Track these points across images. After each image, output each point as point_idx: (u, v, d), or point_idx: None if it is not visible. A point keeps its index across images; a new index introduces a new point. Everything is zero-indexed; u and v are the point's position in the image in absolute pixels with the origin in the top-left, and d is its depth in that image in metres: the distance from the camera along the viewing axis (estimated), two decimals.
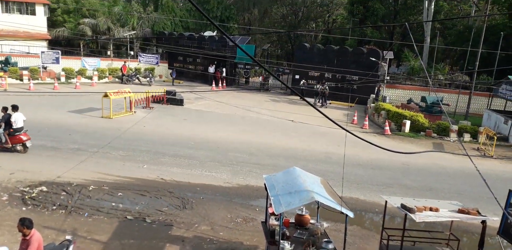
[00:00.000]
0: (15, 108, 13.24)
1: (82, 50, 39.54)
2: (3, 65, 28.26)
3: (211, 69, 32.71)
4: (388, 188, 12.31)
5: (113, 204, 9.95)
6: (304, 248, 6.94)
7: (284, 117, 21.74)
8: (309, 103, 6.33)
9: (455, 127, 19.04)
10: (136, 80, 31.00)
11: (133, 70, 32.58)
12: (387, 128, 19.74)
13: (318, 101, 26.36)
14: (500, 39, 24.64)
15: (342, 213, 6.62)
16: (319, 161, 14.46)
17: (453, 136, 18.89)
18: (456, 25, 38.03)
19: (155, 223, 9.17)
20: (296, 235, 7.53)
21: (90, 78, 30.28)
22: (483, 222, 7.18)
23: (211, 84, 31.24)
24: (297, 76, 30.36)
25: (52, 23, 39.83)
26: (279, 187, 7.40)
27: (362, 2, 38.50)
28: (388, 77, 28.53)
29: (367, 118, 21.44)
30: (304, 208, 7.93)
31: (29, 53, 32.33)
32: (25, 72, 28.28)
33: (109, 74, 31.88)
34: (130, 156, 13.55)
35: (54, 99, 22.54)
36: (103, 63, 32.84)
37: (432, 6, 33.25)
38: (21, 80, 27.85)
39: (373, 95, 26.31)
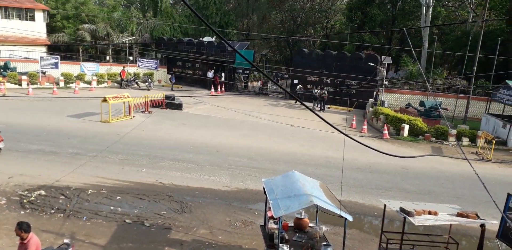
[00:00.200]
0: None
1: (81, 55, 39.60)
2: (2, 70, 28.29)
3: (210, 74, 32.81)
4: (387, 191, 12.30)
5: (112, 207, 9.93)
6: None
7: (283, 122, 21.77)
8: (308, 107, 6.36)
9: (453, 131, 19.08)
10: (135, 85, 31.06)
11: (132, 75, 32.64)
12: (386, 132, 19.77)
13: (317, 106, 26.43)
14: (498, 45, 24.77)
15: (341, 216, 6.63)
16: (318, 165, 14.46)
17: (452, 140, 18.92)
18: (454, 30, 38.25)
19: (154, 226, 9.14)
20: (295, 239, 7.52)
21: (89, 83, 30.32)
22: (482, 225, 7.19)
23: (210, 89, 31.32)
24: (295, 81, 30.45)
25: (51, 29, 39.92)
26: (278, 190, 7.40)
27: (360, 8, 38.72)
28: (386, 82, 28.61)
29: (365, 123, 21.47)
30: (303, 212, 7.93)
31: (28, 58, 32.38)
32: (24, 77, 28.32)
33: (108, 79, 31.94)
34: (129, 160, 13.53)
35: (53, 104, 22.55)
36: (102, 68, 32.90)
37: (430, 12, 33.46)
38: (20, 85, 27.88)
39: (371, 100, 26.38)
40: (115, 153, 14.16)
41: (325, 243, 7.18)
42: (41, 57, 29.65)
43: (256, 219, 9.94)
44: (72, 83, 29.62)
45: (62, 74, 29.91)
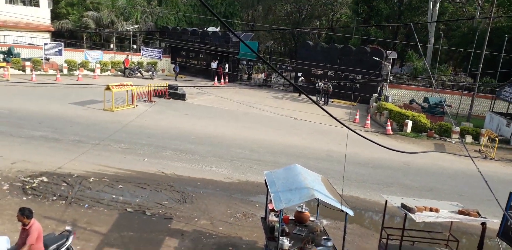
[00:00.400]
0: None
1: (85, 42, 39.41)
2: (6, 55, 28.21)
3: (214, 64, 32.67)
4: (388, 187, 12.31)
5: (113, 196, 9.96)
6: (303, 245, 6.94)
7: (286, 115, 21.72)
8: (313, 101, 6.32)
9: (457, 128, 19.01)
10: (139, 74, 30.97)
11: (136, 64, 32.53)
12: (389, 127, 19.72)
13: (321, 99, 26.35)
14: (505, 42, 24.56)
15: (342, 211, 6.62)
16: (320, 158, 14.46)
17: (455, 137, 18.87)
18: (461, 26, 37.91)
19: (155, 216, 9.18)
20: (296, 232, 7.53)
21: (93, 71, 30.24)
22: (483, 223, 7.18)
23: (213, 80, 31.22)
24: (299, 74, 30.32)
25: (55, 15, 39.68)
26: (279, 183, 7.40)
27: (366, 2, 38.35)
28: (391, 77, 28.46)
29: (369, 118, 21.40)
30: (304, 205, 7.93)
31: (32, 44, 32.24)
32: (27, 63, 28.23)
33: (112, 67, 31.84)
34: (131, 149, 13.54)
35: (56, 91, 22.52)
36: (105, 56, 32.80)
37: (437, 7, 33.14)
38: (24, 71, 27.82)
39: (375, 95, 26.27)
40: (118, 141, 14.17)
41: (325, 237, 7.20)
42: (45, 44, 29.53)
43: (257, 211, 9.97)
44: (75, 70, 29.55)
45: (65, 61, 29.82)
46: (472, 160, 8.40)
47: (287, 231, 7.38)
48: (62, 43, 30.30)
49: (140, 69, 31.30)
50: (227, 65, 32.64)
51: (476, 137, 19.01)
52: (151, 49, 34.78)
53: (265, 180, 7.89)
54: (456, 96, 26.23)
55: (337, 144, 16.38)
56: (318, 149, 15.71)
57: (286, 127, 19.18)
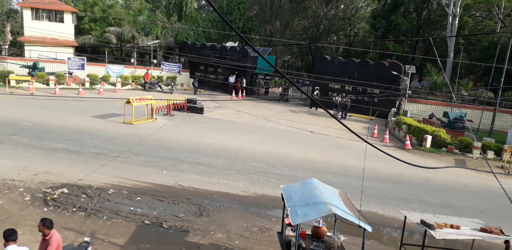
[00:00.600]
0: None
1: (106, 57, 40.49)
2: (31, 70, 29.17)
3: (232, 79, 33.04)
4: (407, 203, 12.09)
5: (132, 208, 10.07)
6: None
7: (303, 128, 21.69)
8: (331, 114, 6.36)
9: (478, 144, 18.62)
10: (158, 88, 31.51)
11: (156, 78, 33.15)
12: (408, 142, 19.46)
13: (338, 113, 26.27)
14: None
15: (360, 227, 6.55)
16: (338, 173, 14.34)
17: (476, 153, 18.49)
18: (481, 41, 37.54)
19: (172, 228, 9.22)
20: (312, 247, 7.45)
21: (114, 84, 30.93)
22: (507, 242, 6.99)
23: (231, 94, 31.52)
24: (316, 88, 30.37)
25: (79, 31, 41.03)
26: (296, 197, 7.37)
27: (384, 16, 38.46)
28: (409, 92, 28.23)
29: (387, 132, 21.19)
30: (321, 220, 7.86)
31: (56, 59, 33.29)
32: (51, 77, 29.12)
33: (132, 81, 32.51)
34: (150, 162, 13.71)
35: (78, 104, 23.09)
36: (126, 71, 33.56)
37: (456, 22, 32.95)
38: (48, 85, 28.68)
39: (394, 109, 26.05)
40: (137, 154, 14.38)
41: None
42: (69, 58, 30.45)
43: (273, 225, 9.91)
44: (97, 84, 30.29)
45: (88, 76, 30.63)
46: (495, 176, 8.23)
47: (303, 246, 7.31)
48: (85, 58, 31.19)
49: (159, 83, 31.88)
50: (244, 80, 32.96)
51: (499, 153, 18.57)
52: (170, 63, 35.46)
53: (281, 194, 7.87)
54: (477, 111, 25.78)
55: (355, 158, 16.24)
56: (335, 163, 15.59)
57: (303, 140, 19.14)
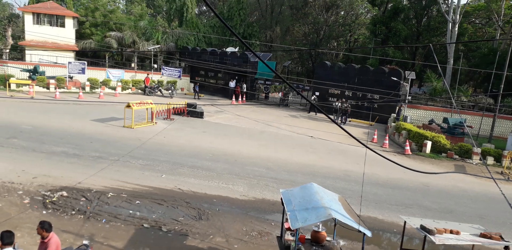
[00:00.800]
0: None
1: (107, 61, 40.62)
2: (31, 74, 29.23)
3: (232, 84, 33.14)
4: (407, 208, 12.07)
5: (131, 211, 10.04)
6: None
7: (303, 133, 21.71)
8: (332, 120, 6.37)
9: (478, 150, 18.64)
10: (158, 92, 31.58)
11: (156, 82, 33.23)
12: (408, 147, 19.47)
13: (338, 119, 26.31)
14: None
15: (360, 231, 6.53)
16: (337, 178, 14.32)
17: (476, 159, 18.49)
18: (481, 47, 37.71)
19: (171, 232, 9.19)
20: None
21: (114, 89, 31.01)
22: (506, 247, 6.97)
23: (231, 99, 31.58)
24: (317, 93, 30.46)
25: (80, 35, 41.19)
26: (296, 202, 7.36)
27: (384, 23, 38.67)
28: (409, 97, 28.30)
29: (387, 138, 21.20)
30: (320, 225, 7.83)
31: (56, 63, 33.39)
32: (52, 81, 29.18)
33: (133, 85, 32.59)
34: (149, 166, 13.69)
35: (78, 108, 23.12)
36: (127, 75, 33.65)
37: (456, 28, 33.12)
38: (48, 88, 28.74)
39: (394, 115, 26.10)
40: (136, 158, 14.37)
41: None
42: (69, 63, 30.55)
43: (273, 229, 9.89)
44: (97, 88, 30.36)
45: (88, 80, 30.71)
46: (495, 182, 8.23)
47: None
48: (85, 62, 31.29)
49: (160, 87, 31.95)
50: (244, 85, 33.04)
51: (498, 159, 18.58)
52: (171, 68, 35.56)
53: (281, 198, 7.86)
54: (476, 117, 25.83)
55: (355, 163, 16.23)
56: (335, 168, 15.58)
57: (302, 145, 19.14)
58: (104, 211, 9.94)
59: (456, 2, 32.93)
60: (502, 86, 22.59)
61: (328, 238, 7.94)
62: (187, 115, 23.67)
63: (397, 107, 26.49)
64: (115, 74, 32.32)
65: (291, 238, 7.73)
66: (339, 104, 26.45)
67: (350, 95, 28.79)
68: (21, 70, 29.75)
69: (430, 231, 7.03)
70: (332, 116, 25.94)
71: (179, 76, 34.74)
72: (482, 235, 7.19)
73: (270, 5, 46.58)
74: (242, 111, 27.22)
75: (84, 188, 11.23)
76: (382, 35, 38.77)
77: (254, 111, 27.81)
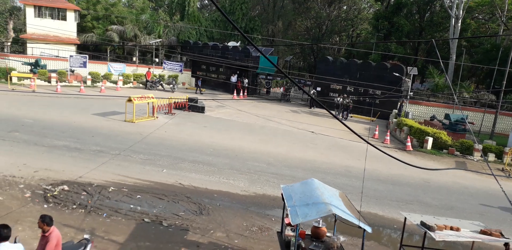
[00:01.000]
0: None
1: (108, 55, 40.53)
2: (33, 67, 29.19)
3: (233, 78, 33.05)
4: (407, 204, 12.08)
5: (132, 206, 10.07)
6: None
7: (304, 129, 21.69)
8: (333, 115, 6.35)
9: (479, 146, 18.61)
10: (160, 87, 31.53)
11: (157, 76, 33.17)
12: (409, 143, 19.45)
13: (339, 114, 26.26)
14: None
15: (360, 227, 6.54)
16: (338, 174, 14.33)
17: (477, 155, 18.47)
18: (483, 43, 37.50)
19: (172, 227, 9.22)
20: (312, 247, 7.44)
21: (115, 83, 30.97)
22: (506, 244, 6.99)
23: (232, 93, 31.53)
24: (318, 89, 30.38)
25: (81, 29, 41.06)
26: (296, 197, 7.36)
27: (387, 18, 38.43)
28: (411, 93, 28.22)
29: (388, 134, 21.17)
30: (321, 220, 7.85)
31: (58, 56, 33.32)
32: (53, 74, 29.13)
33: (134, 79, 32.54)
34: (150, 160, 13.71)
35: (80, 102, 23.11)
36: (128, 69, 33.58)
37: (459, 24, 32.91)
38: (49, 82, 28.71)
39: (395, 111, 26.05)
40: (137, 152, 14.38)
41: None
42: (71, 56, 30.49)
43: (273, 225, 9.91)
44: (98, 82, 30.32)
45: (89, 73, 30.67)
46: (496, 179, 8.24)
47: (303, 246, 7.31)
48: (87, 56, 31.22)
49: (161, 82, 31.89)
50: (246, 80, 32.95)
51: (499, 155, 18.56)
52: (172, 62, 35.48)
53: (281, 194, 7.87)
54: (478, 113, 25.77)
55: (356, 159, 16.23)
56: (336, 164, 15.58)
57: (303, 141, 19.13)
58: (105, 205, 9.97)
59: None
60: (505, 82, 22.50)
61: (328, 234, 7.97)
62: (188, 110, 23.65)
63: (399, 103, 26.43)
64: (117, 68, 32.26)
65: (292, 233, 7.75)
66: (341, 99, 26.39)
67: (352, 90, 28.72)
68: (22, 64, 29.71)
69: (430, 228, 7.05)
70: (333, 112, 25.88)
71: (181, 71, 34.67)
72: (482, 232, 7.20)
73: None
74: (243, 106, 27.19)
75: (85, 182, 11.25)
76: (384, 30, 38.55)
77: (255, 106, 27.78)
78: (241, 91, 32.07)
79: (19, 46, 40.42)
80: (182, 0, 41.63)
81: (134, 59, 40.33)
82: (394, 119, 24.05)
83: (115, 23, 41.26)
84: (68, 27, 36.88)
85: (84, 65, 30.37)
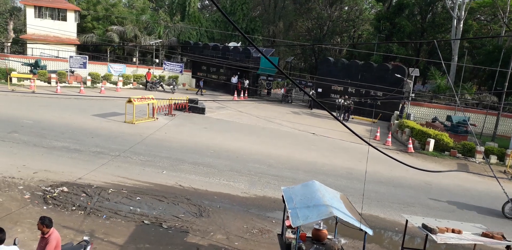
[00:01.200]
0: None
1: (108, 56, 40.49)
2: (33, 68, 29.14)
3: (234, 79, 32.99)
4: (409, 207, 12.00)
5: (131, 207, 10.00)
6: None
7: (305, 130, 21.62)
8: (335, 117, 6.30)
9: (481, 148, 18.52)
10: (160, 88, 31.47)
11: (157, 77, 33.12)
12: (411, 145, 19.37)
13: (340, 116, 26.19)
14: None
15: (361, 230, 6.48)
16: (339, 176, 14.25)
17: (479, 157, 18.39)
18: (485, 44, 37.42)
19: (171, 229, 9.15)
20: None
21: (115, 83, 30.91)
22: (508, 247, 6.93)
23: (233, 94, 31.47)
24: (319, 90, 30.31)
25: (81, 29, 41.02)
26: (297, 199, 7.30)
27: (388, 19, 38.36)
28: (413, 95, 28.14)
29: (390, 135, 21.09)
30: (321, 223, 7.79)
31: (58, 57, 33.28)
32: (53, 75, 29.09)
33: (134, 80, 32.48)
34: (150, 162, 13.65)
35: (79, 103, 23.06)
36: (128, 70, 33.53)
37: (461, 25, 32.84)
38: (49, 83, 28.66)
39: (397, 112, 25.97)
40: (137, 153, 14.32)
41: None
42: (71, 57, 30.45)
43: (274, 227, 9.84)
44: (98, 83, 30.27)
45: (89, 74, 30.62)
46: (498, 181, 8.17)
47: (304, 248, 7.24)
48: (87, 56, 31.17)
49: (161, 83, 31.84)
50: (247, 81, 32.90)
51: (501, 157, 18.46)
52: (172, 63, 35.42)
53: (282, 196, 7.81)
54: (480, 115, 25.68)
55: (357, 161, 16.16)
56: (337, 166, 15.51)
57: (304, 142, 19.06)
58: (104, 207, 9.91)
59: None
60: (507, 84, 22.37)
61: (329, 236, 7.90)
62: (188, 111, 23.59)
63: (400, 105, 26.35)
64: (117, 69, 32.22)
65: (292, 236, 7.68)
66: (342, 101, 26.32)
67: (353, 92, 28.65)
68: (22, 64, 29.68)
69: (431, 230, 6.99)
70: (334, 113, 25.81)
71: (181, 72, 34.59)
72: (484, 235, 7.14)
73: (273, 0, 46.28)
74: (244, 107, 27.13)
75: (84, 183, 11.19)
76: (386, 31, 38.49)
77: (256, 108, 27.72)
78: (242, 92, 32.01)
79: (19, 46, 40.39)
80: (182, 1, 41.60)
81: (134, 60, 40.29)
82: (396, 121, 23.98)
83: (115, 23, 41.21)
84: (68, 27, 36.85)
85: (84, 66, 30.33)
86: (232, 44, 36.86)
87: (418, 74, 32.39)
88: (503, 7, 35.83)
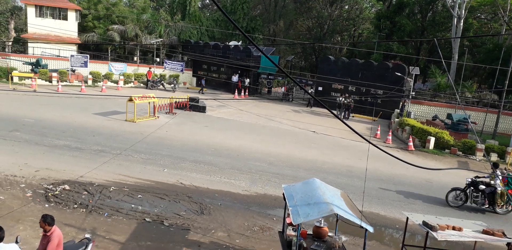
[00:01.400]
0: None
1: (109, 55, 40.51)
2: (34, 67, 29.19)
3: (235, 78, 33.02)
4: (409, 204, 12.03)
5: (133, 205, 10.04)
6: None
7: (306, 128, 21.64)
8: (335, 115, 6.32)
9: (481, 146, 18.53)
10: (161, 86, 31.52)
11: (158, 76, 33.15)
12: (411, 143, 19.39)
13: (341, 114, 26.21)
14: None
15: (362, 227, 6.50)
16: (340, 173, 14.29)
17: (479, 155, 18.40)
18: (486, 43, 37.37)
19: (173, 226, 9.19)
20: (313, 247, 7.40)
21: (116, 82, 30.96)
22: (509, 244, 6.96)
23: (233, 93, 31.50)
24: (320, 88, 30.32)
25: (82, 28, 41.01)
26: (298, 197, 7.33)
27: (389, 17, 38.32)
28: (413, 93, 28.14)
29: (390, 133, 21.11)
30: (322, 220, 7.81)
31: (59, 56, 33.32)
32: (54, 74, 29.13)
33: (135, 79, 32.53)
34: (151, 160, 13.69)
35: (81, 102, 23.10)
36: (129, 69, 33.57)
37: (461, 24, 32.81)
38: (50, 82, 28.71)
39: (397, 110, 25.98)
40: (139, 152, 14.36)
41: None
42: (72, 56, 30.48)
43: (275, 225, 9.87)
44: (99, 82, 30.32)
45: (90, 73, 30.66)
46: (499, 178, 8.18)
47: (304, 246, 7.27)
48: (88, 55, 31.21)
49: (162, 81, 31.88)
50: (247, 79, 32.91)
51: (502, 155, 18.48)
52: (173, 62, 35.45)
53: (283, 194, 7.83)
54: (480, 113, 25.69)
55: (358, 159, 16.18)
56: (337, 164, 15.54)
57: (305, 140, 19.09)
58: (106, 205, 9.95)
59: None
60: (507, 82, 22.40)
61: (330, 234, 7.93)
62: (189, 109, 23.62)
63: (401, 103, 26.36)
64: (118, 68, 32.26)
65: (293, 233, 7.71)
66: (342, 99, 26.34)
67: (354, 90, 28.66)
68: (23, 63, 29.73)
69: (432, 227, 7.01)
70: (334, 112, 25.83)
71: (182, 70, 34.63)
72: (485, 232, 7.17)
73: None
74: (244, 106, 27.16)
75: (86, 181, 11.23)
76: (386, 30, 38.46)
77: (256, 106, 27.75)
78: (243, 91, 32.03)
79: (20, 46, 40.41)
80: (183, 0, 41.58)
81: (135, 59, 40.30)
82: (396, 119, 23.99)
83: (116, 22, 41.19)
84: (69, 26, 36.86)
85: (85, 64, 30.36)
86: (232, 43, 36.86)
87: (419, 73, 32.38)
88: (503, 6, 35.78)
